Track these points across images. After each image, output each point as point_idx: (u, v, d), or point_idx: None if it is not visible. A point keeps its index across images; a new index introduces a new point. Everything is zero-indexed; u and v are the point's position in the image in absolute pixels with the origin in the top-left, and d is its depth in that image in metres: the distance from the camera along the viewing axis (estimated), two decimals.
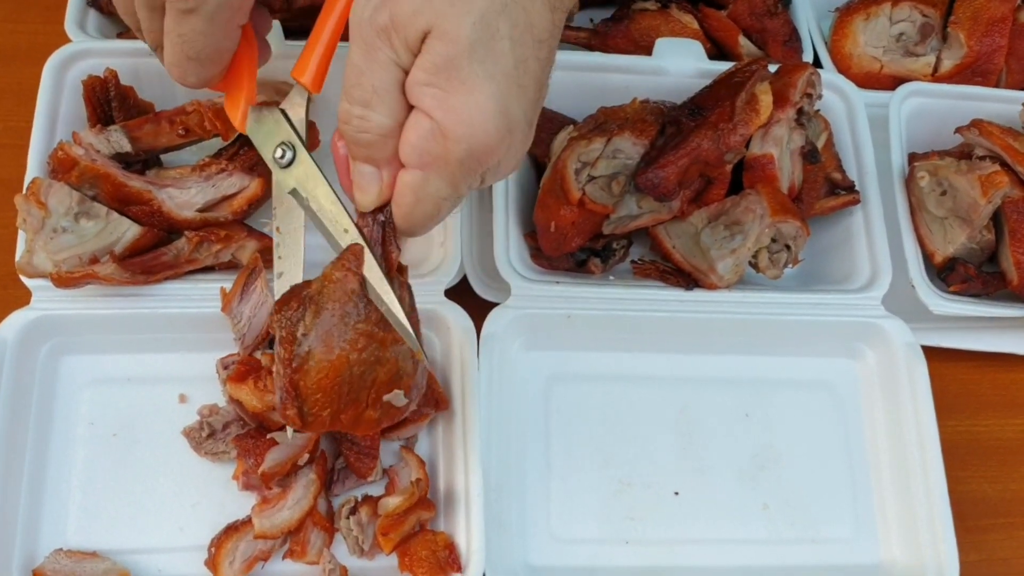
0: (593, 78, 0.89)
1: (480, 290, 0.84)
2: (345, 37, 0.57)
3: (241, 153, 0.79)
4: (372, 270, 0.57)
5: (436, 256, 0.81)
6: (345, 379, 0.58)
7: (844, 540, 0.82)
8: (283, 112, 0.63)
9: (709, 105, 0.83)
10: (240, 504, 0.74)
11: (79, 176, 0.75)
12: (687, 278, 0.84)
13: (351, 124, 0.54)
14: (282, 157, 0.62)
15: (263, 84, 0.81)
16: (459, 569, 0.71)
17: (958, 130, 0.90)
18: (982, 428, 0.90)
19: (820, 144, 0.88)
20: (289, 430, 0.66)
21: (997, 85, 0.99)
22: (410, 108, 0.53)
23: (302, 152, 0.62)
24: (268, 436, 0.72)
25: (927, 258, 0.88)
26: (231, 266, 0.79)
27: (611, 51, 0.96)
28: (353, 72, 0.53)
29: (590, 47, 0.98)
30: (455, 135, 0.51)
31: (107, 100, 0.79)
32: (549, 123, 0.86)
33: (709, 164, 0.81)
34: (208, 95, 0.79)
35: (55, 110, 0.80)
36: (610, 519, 0.79)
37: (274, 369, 0.59)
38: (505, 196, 0.83)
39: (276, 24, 0.80)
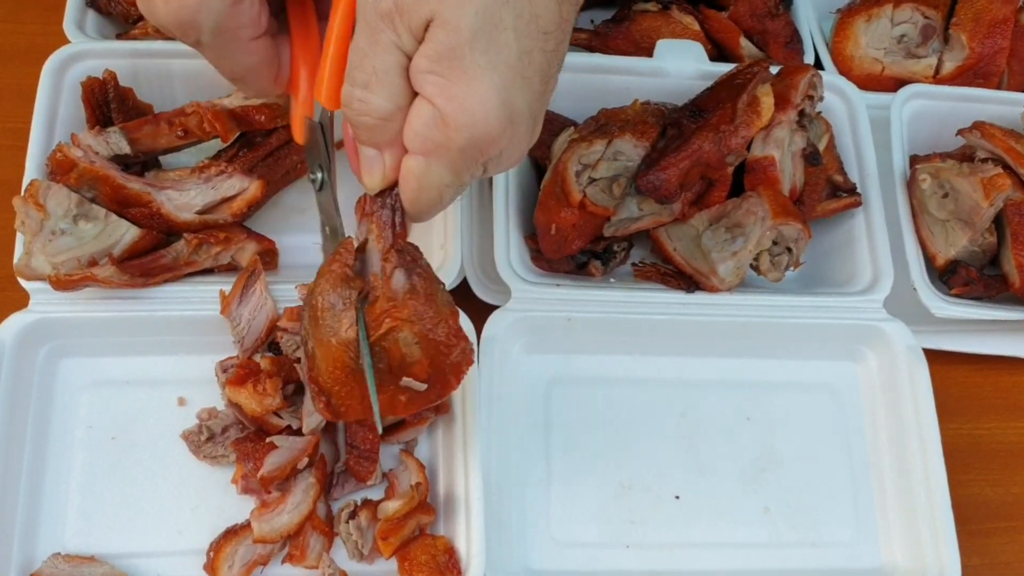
0: (594, 79, 0.89)
1: (480, 292, 0.84)
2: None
3: (240, 155, 0.79)
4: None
5: (436, 258, 0.80)
6: (351, 368, 0.58)
7: (845, 543, 0.81)
8: (322, 126, 0.63)
9: (710, 107, 0.82)
10: (239, 508, 0.73)
11: (78, 178, 0.74)
12: (688, 280, 0.83)
13: (352, 106, 0.54)
14: (315, 179, 0.64)
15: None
16: (459, 573, 0.71)
17: (960, 132, 0.90)
18: (984, 431, 0.90)
19: (821, 146, 0.87)
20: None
21: (999, 87, 0.99)
22: (414, 94, 0.53)
23: (326, 178, 0.64)
24: (267, 440, 0.72)
25: (929, 261, 0.88)
26: (230, 268, 0.79)
27: (612, 52, 0.96)
28: (356, 55, 0.53)
29: (591, 48, 0.98)
30: (456, 123, 0.51)
31: (106, 101, 0.79)
32: (550, 124, 0.86)
33: (710, 166, 0.81)
34: (208, 95, 0.79)
35: (54, 111, 0.80)
36: (611, 522, 0.79)
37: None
38: (505, 198, 0.83)
39: None
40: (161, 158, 0.82)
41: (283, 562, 0.73)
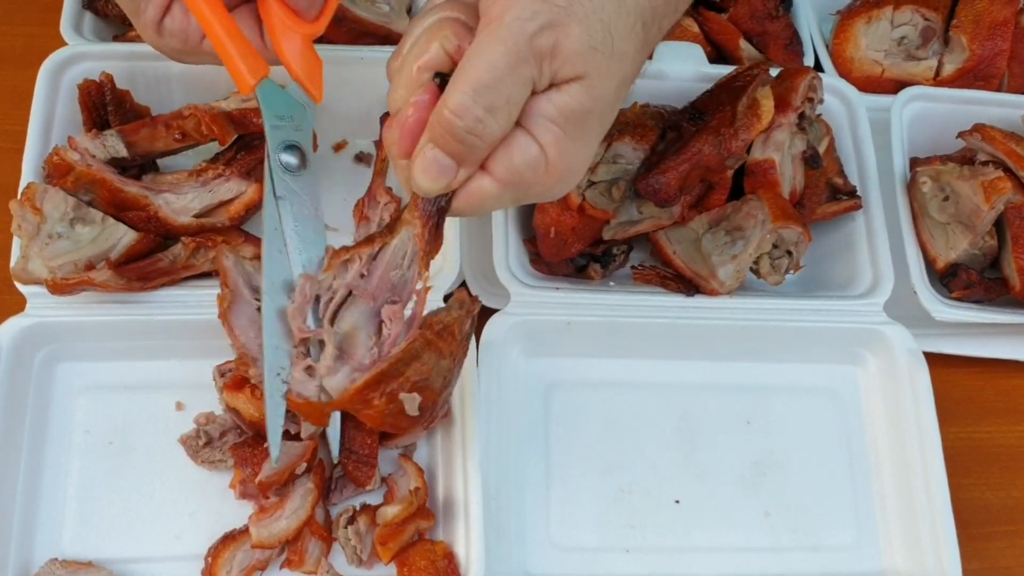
0: None
1: (480, 295, 0.83)
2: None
3: (238, 158, 0.79)
4: None
5: (435, 262, 0.80)
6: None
7: (846, 547, 0.81)
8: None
9: (710, 110, 0.82)
10: (237, 513, 0.73)
11: (75, 181, 0.74)
12: (688, 284, 0.83)
13: (465, 121, 0.51)
14: (287, 157, 0.65)
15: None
16: None
17: (960, 135, 0.90)
18: (984, 435, 0.89)
19: (822, 149, 0.87)
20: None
21: (999, 89, 0.99)
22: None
23: (310, 171, 0.65)
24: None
25: (929, 264, 0.88)
26: None
27: None
28: (490, 74, 0.51)
29: None
30: (557, 174, 0.54)
31: (103, 104, 0.79)
32: None
33: (710, 169, 0.80)
34: (206, 98, 0.79)
35: (50, 114, 0.80)
36: (610, 527, 0.79)
37: None
38: None
39: None
40: (158, 161, 0.82)
41: (281, 567, 0.72)
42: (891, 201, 0.89)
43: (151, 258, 0.75)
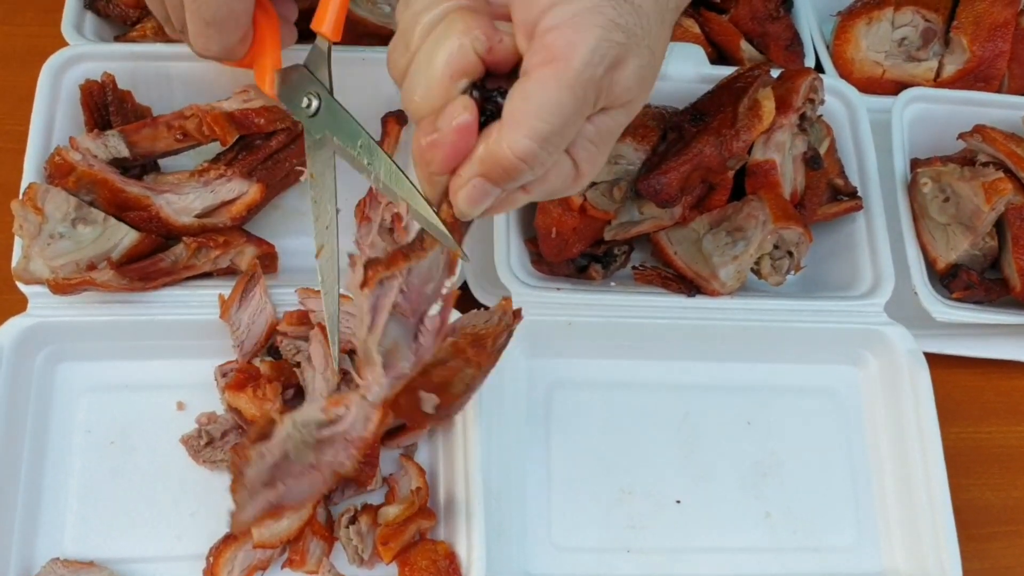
0: None
1: (481, 296, 0.84)
2: None
3: (240, 158, 0.79)
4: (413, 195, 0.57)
5: None
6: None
7: (846, 548, 0.81)
8: (306, 67, 0.66)
9: (711, 111, 0.82)
10: None
11: (76, 181, 0.74)
12: (689, 284, 0.83)
13: (530, 164, 0.50)
14: (308, 106, 0.65)
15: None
16: None
17: (961, 136, 0.90)
18: (985, 435, 0.89)
19: (822, 150, 0.87)
20: None
21: (999, 90, 0.99)
22: None
23: (327, 97, 0.64)
24: None
25: (930, 265, 0.88)
26: (230, 272, 0.78)
27: None
28: (560, 120, 0.49)
29: None
30: (584, 182, 0.55)
31: (104, 104, 0.79)
32: None
33: (711, 170, 0.81)
34: (207, 98, 0.79)
35: (52, 114, 0.80)
36: (611, 527, 0.79)
37: None
38: None
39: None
40: (160, 161, 0.82)
41: (283, 567, 0.72)
42: (892, 202, 0.89)
43: (153, 258, 0.75)
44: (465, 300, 0.81)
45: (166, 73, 0.83)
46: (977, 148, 0.89)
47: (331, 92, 0.65)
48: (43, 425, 0.75)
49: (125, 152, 0.77)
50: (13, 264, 0.73)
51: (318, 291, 0.69)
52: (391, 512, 0.72)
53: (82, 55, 0.82)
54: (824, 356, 0.86)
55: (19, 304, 0.75)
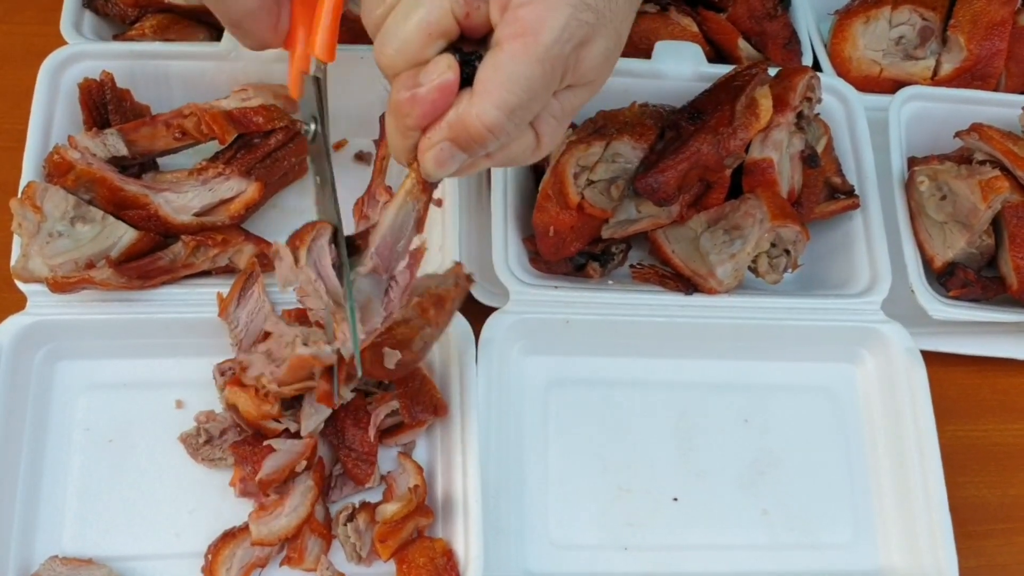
0: None
1: (478, 294, 0.84)
2: None
3: (238, 157, 0.79)
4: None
5: (434, 260, 0.80)
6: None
7: (843, 545, 0.81)
8: (316, 81, 0.63)
9: (709, 109, 0.82)
10: (237, 511, 0.73)
11: (75, 180, 0.74)
12: (686, 283, 0.83)
13: (496, 135, 0.52)
14: (307, 130, 0.63)
15: (261, 88, 0.81)
16: None
17: (958, 134, 0.90)
18: (981, 433, 0.90)
19: (820, 148, 0.87)
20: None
21: (997, 89, 0.99)
22: None
23: (319, 133, 0.63)
24: (265, 443, 0.71)
25: (926, 263, 0.88)
26: (228, 271, 0.79)
27: None
28: (527, 94, 0.51)
29: None
30: (541, 152, 0.57)
31: (103, 103, 0.79)
32: None
33: (709, 168, 0.81)
34: (206, 97, 0.79)
35: (51, 113, 0.80)
36: (609, 525, 0.79)
37: None
38: (503, 200, 0.83)
39: None
40: (158, 160, 0.82)
41: (281, 564, 0.73)
42: (889, 200, 0.89)
43: (151, 256, 0.76)
44: (465, 300, 0.81)
45: (165, 72, 0.83)
46: (974, 146, 0.89)
47: (323, 121, 0.62)
48: (42, 423, 0.75)
49: (124, 151, 0.77)
50: (12, 263, 0.73)
51: None
52: (389, 510, 0.72)
53: (81, 54, 0.82)
54: (821, 354, 0.86)
55: (18, 302, 0.75)
